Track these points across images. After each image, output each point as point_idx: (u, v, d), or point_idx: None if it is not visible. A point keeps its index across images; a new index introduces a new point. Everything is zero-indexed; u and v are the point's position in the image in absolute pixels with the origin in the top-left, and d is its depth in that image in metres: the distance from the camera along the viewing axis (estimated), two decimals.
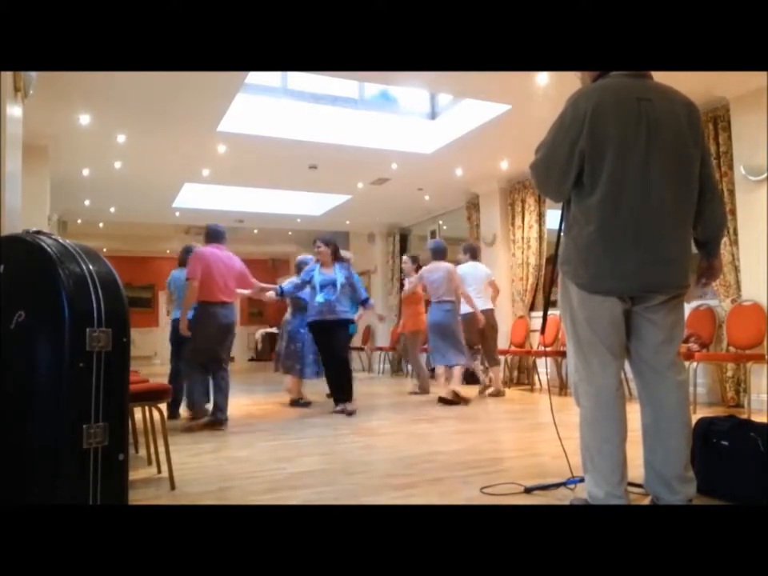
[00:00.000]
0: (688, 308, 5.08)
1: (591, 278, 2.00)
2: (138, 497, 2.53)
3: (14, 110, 2.77)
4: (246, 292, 5.33)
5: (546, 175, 2.11)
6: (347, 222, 10.80)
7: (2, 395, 1.71)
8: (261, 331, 9.78)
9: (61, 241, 1.83)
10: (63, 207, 8.75)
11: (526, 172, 2.37)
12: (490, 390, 6.43)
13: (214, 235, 4.69)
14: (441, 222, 9.75)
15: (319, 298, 5.10)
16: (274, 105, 6.10)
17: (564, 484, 2.47)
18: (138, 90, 4.90)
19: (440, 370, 5.93)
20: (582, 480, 2.17)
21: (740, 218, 4.90)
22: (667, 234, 1.96)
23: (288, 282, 5.55)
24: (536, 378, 7.07)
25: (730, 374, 5.02)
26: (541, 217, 7.41)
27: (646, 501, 2.17)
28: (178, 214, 9.76)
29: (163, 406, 2.92)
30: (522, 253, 7.62)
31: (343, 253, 5.60)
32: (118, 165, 6.94)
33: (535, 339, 7.28)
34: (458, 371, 5.80)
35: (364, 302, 5.47)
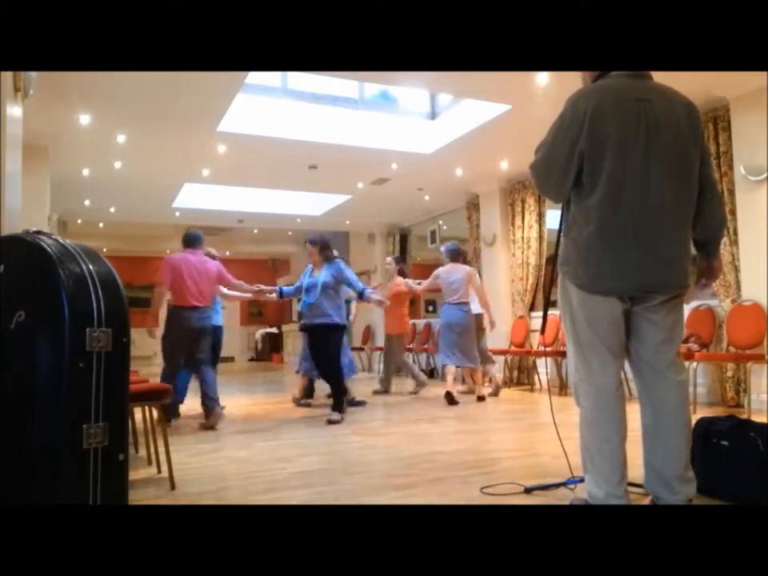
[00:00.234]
0: (688, 308, 5.08)
1: (591, 279, 2.00)
2: (137, 497, 2.53)
3: (14, 110, 2.77)
4: (246, 295, 5.40)
5: (545, 175, 2.11)
6: (347, 222, 10.80)
7: (2, 395, 1.71)
8: (261, 331, 9.77)
9: (61, 241, 1.83)
10: (63, 207, 8.75)
11: (526, 172, 2.37)
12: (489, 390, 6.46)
13: (188, 241, 4.85)
14: (441, 222, 9.75)
15: (303, 301, 5.09)
16: (273, 105, 6.09)
17: (564, 484, 2.47)
18: (138, 90, 4.89)
19: (450, 369, 5.99)
20: (582, 480, 2.17)
21: (740, 218, 4.89)
22: (667, 234, 1.96)
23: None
24: (536, 377, 7.07)
25: (730, 373, 5.02)
26: (541, 217, 7.41)
27: (646, 501, 2.17)
28: (178, 214, 9.76)
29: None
30: (522, 253, 7.62)
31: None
32: (118, 165, 6.94)
33: (535, 339, 7.28)
34: (479, 371, 6.09)
35: (361, 294, 5.18)
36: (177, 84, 4.78)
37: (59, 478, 1.67)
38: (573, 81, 2.28)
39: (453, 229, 9.80)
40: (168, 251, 13.87)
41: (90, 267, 1.78)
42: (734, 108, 4.95)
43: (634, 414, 2.07)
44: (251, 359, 15.64)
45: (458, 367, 6.01)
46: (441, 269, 6.18)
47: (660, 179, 1.94)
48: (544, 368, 6.86)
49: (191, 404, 5.83)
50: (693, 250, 2.13)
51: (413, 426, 4.46)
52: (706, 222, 2.08)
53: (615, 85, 2.00)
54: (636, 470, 2.16)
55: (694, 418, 2.22)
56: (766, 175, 4.63)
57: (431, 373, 9.06)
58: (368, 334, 10.83)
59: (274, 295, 5.32)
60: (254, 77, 5.61)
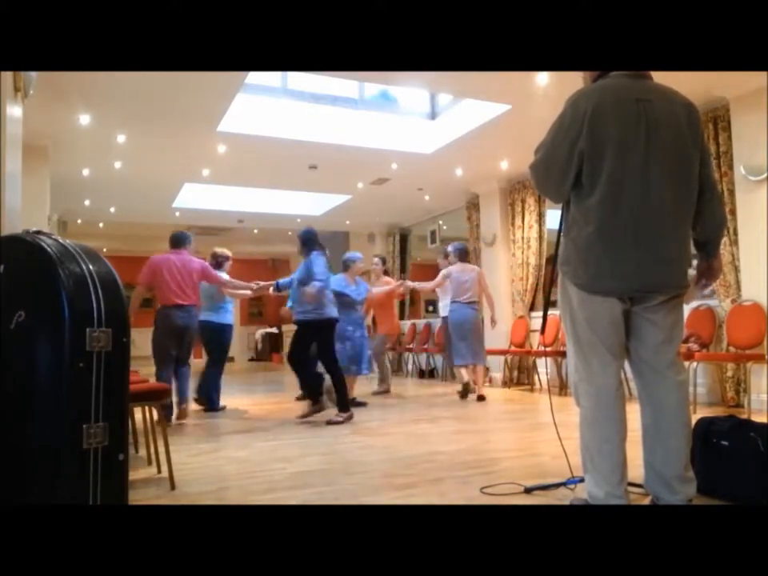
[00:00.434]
0: (688, 308, 5.08)
1: (591, 279, 2.00)
2: (138, 497, 2.53)
3: (14, 110, 2.77)
4: (246, 292, 5.43)
5: (545, 176, 2.11)
6: (347, 222, 10.80)
7: (2, 395, 1.71)
8: (261, 331, 9.75)
9: (61, 241, 1.83)
10: (63, 207, 8.75)
11: (526, 172, 2.37)
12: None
13: (173, 241, 5.04)
14: (441, 222, 9.75)
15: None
16: (273, 105, 6.10)
17: (564, 484, 2.47)
18: (138, 90, 4.89)
19: (463, 369, 6.14)
20: (582, 480, 2.17)
21: (740, 218, 4.89)
22: (667, 234, 1.96)
23: (336, 280, 5.59)
24: (536, 377, 7.07)
25: (730, 373, 5.02)
26: (541, 217, 7.41)
27: (646, 501, 2.17)
28: (177, 214, 9.76)
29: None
30: (522, 253, 7.62)
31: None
32: (118, 165, 6.94)
33: (535, 339, 7.28)
34: (480, 370, 6.17)
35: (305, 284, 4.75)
36: (177, 84, 4.78)
37: (59, 478, 1.67)
38: (573, 81, 2.28)
39: (453, 229, 9.80)
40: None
41: (90, 267, 1.78)
42: (733, 108, 4.95)
43: (634, 414, 2.07)
44: (251, 359, 15.64)
45: (468, 366, 6.14)
46: (451, 268, 6.25)
47: (660, 179, 1.94)
48: (544, 368, 6.86)
49: (194, 404, 5.83)
50: (693, 250, 2.13)
51: (413, 425, 4.46)
52: (705, 222, 2.08)
53: (615, 85, 2.00)
54: (636, 470, 2.16)
55: (694, 418, 2.22)
56: (765, 175, 4.63)
57: (431, 373, 9.06)
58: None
59: (271, 289, 5.30)
60: (254, 77, 5.61)
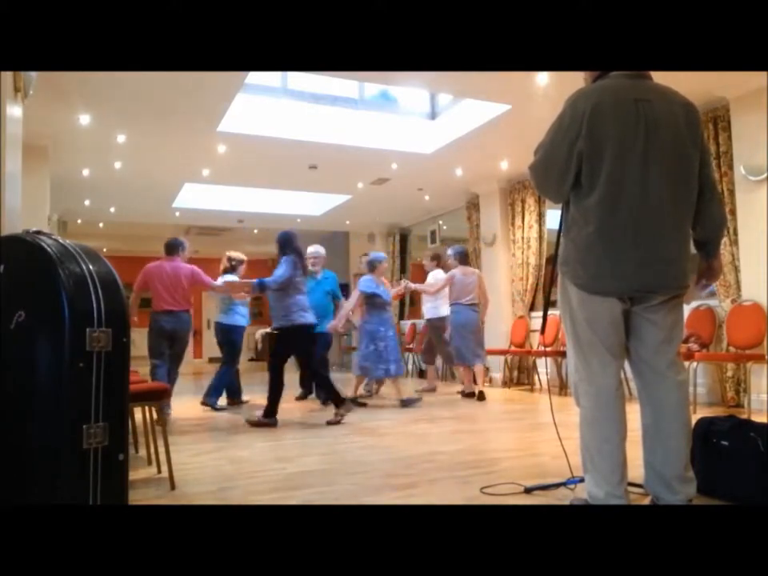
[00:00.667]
0: (688, 308, 5.08)
1: (591, 279, 2.00)
2: (138, 497, 2.53)
3: (14, 110, 2.77)
4: (241, 294, 5.45)
5: (544, 176, 2.11)
6: (347, 222, 10.80)
7: (2, 395, 1.71)
8: (261, 331, 9.76)
9: (61, 241, 1.83)
10: (63, 207, 8.75)
11: (526, 172, 2.37)
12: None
13: (166, 249, 5.32)
14: (441, 222, 9.75)
15: None
16: (273, 105, 6.09)
17: (564, 484, 2.47)
18: (138, 90, 4.89)
19: (479, 367, 6.25)
20: (582, 480, 2.17)
21: (740, 218, 4.89)
22: (666, 234, 1.96)
23: (363, 280, 5.63)
24: (536, 377, 7.07)
25: (730, 374, 5.02)
26: (541, 217, 7.41)
27: (646, 501, 2.17)
28: (177, 214, 9.76)
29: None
30: (522, 253, 7.62)
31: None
32: (118, 165, 6.94)
33: (535, 339, 7.28)
34: (480, 370, 6.28)
35: (261, 287, 4.68)
36: (177, 84, 4.78)
37: (59, 478, 1.67)
38: (573, 81, 2.28)
39: (453, 229, 9.79)
40: None
41: (90, 267, 1.78)
42: (733, 108, 4.95)
43: (634, 414, 2.07)
44: (251, 359, 15.63)
45: (470, 366, 6.24)
46: (454, 271, 6.36)
47: (659, 179, 1.94)
48: (544, 368, 6.86)
49: (191, 404, 5.84)
50: (693, 250, 2.13)
51: (413, 425, 4.46)
52: (705, 222, 2.08)
53: (614, 85, 2.00)
54: (636, 470, 2.16)
55: (694, 418, 2.22)
56: (765, 175, 4.63)
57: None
58: None
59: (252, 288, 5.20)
60: (254, 77, 5.61)
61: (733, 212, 4.92)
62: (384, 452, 3.45)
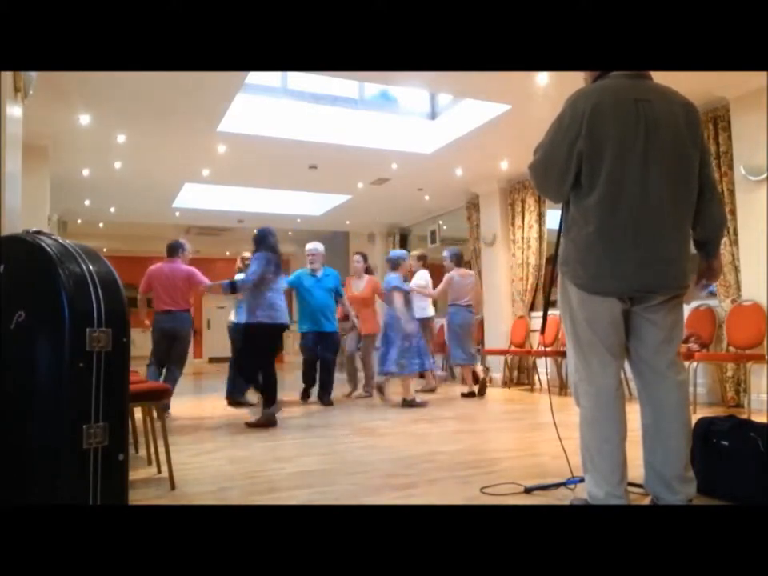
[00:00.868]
0: (688, 308, 5.08)
1: (591, 279, 2.00)
2: (138, 497, 2.53)
3: (14, 110, 2.77)
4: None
5: (544, 176, 2.11)
6: (347, 222, 10.80)
7: (2, 395, 1.71)
8: None
9: (61, 241, 1.83)
10: (63, 207, 8.75)
11: (526, 172, 2.37)
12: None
13: (167, 251, 5.51)
14: (441, 222, 9.75)
15: None
16: (273, 105, 6.09)
17: (564, 484, 2.47)
18: (138, 90, 4.89)
19: (478, 367, 6.38)
20: (582, 480, 2.17)
21: (740, 218, 4.89)
22: (666, 234, 1.96)
23: (394, 279, 5.64)
24: (536, 377, 7.07)
25: (730, 374, 5.02)
26: (541, 217, 7.41)
27: (646, 501, 2.17)
28: (177, 214, 9.76)
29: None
30: (522, 253, 7.62)
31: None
32: (117, 165, 6.94)
33: (535, 339, 7.28)
34: (477, 368, 6.42)
35: (232, 288, 4.71)
36: (177, 84, 4.78)
37: (59, 478, 1.67)
38: (573, 81, 2.28)
39: (453, 229, 9.79)
40: None
41: (90, 267, 1.78)
42: (733, 108, 4.95)
43: (634, 414, 2.07)
44: None
45: (468, 365, 6.35)
46: (453, 272, 6.41)
47: (659, 179, 1.94)
48: (544, 368, 6.86)
49: (192, 404, 5.84)
50: (693, 250, 2.13)
51: (413, 425, 4.46)
52: (705, 222, 2.08)
53: (614, 85, 2.00)
54: (636, 470, 2.16)
55: (694, 418, 2.22)
56: (765, 175, 4.63)
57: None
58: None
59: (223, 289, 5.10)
60: (254, 77, 5.61)
61: (733, 212, 4.92)
62: (384, 452, 3.45)
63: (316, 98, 6.32)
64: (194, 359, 14.49)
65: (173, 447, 2.91)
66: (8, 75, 2.51)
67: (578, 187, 2.02)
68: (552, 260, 2.83)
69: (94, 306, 1.73)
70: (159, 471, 3.03)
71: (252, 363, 4.64)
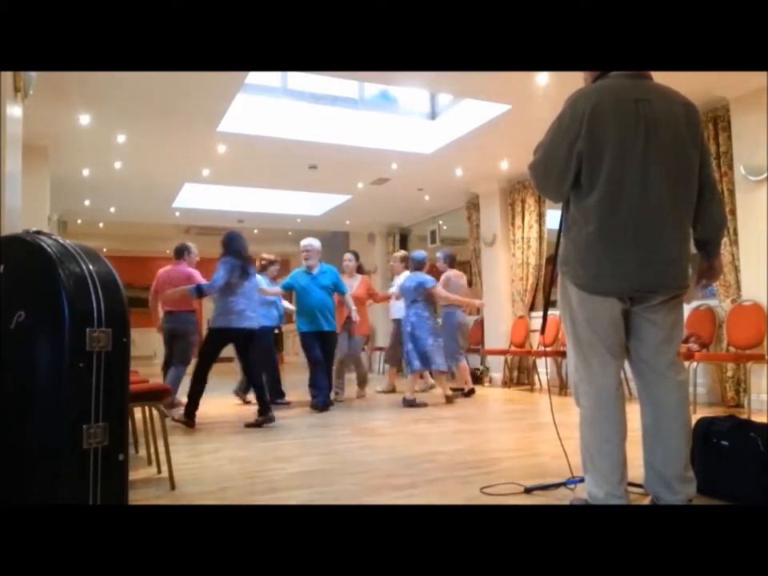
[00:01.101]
0: (688, 308, 5.08)
1: (591, 279, 2.00)
2: (138, 497, 2.53)
3: (14, 110, 2.77)
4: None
5: (544, 176, 2.11)
6: (347, 222, 10.80)
7: (2, 395, 1.71)
8: None
9: (61, 241, 1.83)
10: (63, 207, 8.75)
11: (526, 172, 2.37)
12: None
13: (174, 254, 5.73)
14: (441, 222, 9.75)
15: None
16: (273, 105, 6.09)
17: (564, 484, 2.47)
18: (138, 90, 4.89)
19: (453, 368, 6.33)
20: (582, 480, 2.17)
21: (740, 218, 4.89)
22: (666, 234, 1.96)
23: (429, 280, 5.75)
24: (536, 377, 7.07)
25: (730, 374, 5.02)
26: (541, 217, 7.41)
27: (646, 501, 2.17)
28: (177, 214, 9.76)
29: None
30: (522, 253, 7.62)
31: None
32: (117, 165, 6.94)
33: (535, 339, 7.28)
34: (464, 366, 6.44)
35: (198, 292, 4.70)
36: (177, 84, 4.78)
37: (59, 478, 1.67)
38: (573, 81, 2.28)
39: (453, 229, 9.79)
40: (168, 251, 13.88)
41: (90, 267, 1.78)
42: (733, 108, 4.95)
43: (634, 414, 2.07)
44: None
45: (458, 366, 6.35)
46: (449, 273, 6.47)
47: (659, 179, 1.94)
48: (544, 368, 6.86)
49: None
50: (693, 250, 2.13)
51: (413, 425, 4.46)
52: (706, 222, 2.08)
53: (614, 85, 2.00)
54: (636, 470, 2.16)
55: (694, 418, 2.22)
56: (765, 175, 4.63)
57: (430, 373, 9.03)
58: (368, 335, 10.81)
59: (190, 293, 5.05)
60: (254, 77, 5.61)
61: (733, 212, 4.92)
62: (384, 452, 3.45)
63: (316, 98, 6.32)
64: (194, 358, 14.53)
65: (173, 447, 2.91)
66: (8, 75, 2.51)
67: (578, 187, 2.02)
68: (552, 260, 2.83)
69: (94, 305, 1.73)
70: (159, 471, 3.03)
71: (203, 366, 4.64)
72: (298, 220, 10.32)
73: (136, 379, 3.20)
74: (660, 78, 2.06)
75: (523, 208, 7.62)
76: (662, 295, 2.01)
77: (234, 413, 5.39)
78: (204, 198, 9.03)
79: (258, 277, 5.92)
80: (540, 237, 7.42)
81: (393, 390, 6.86)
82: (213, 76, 4.59)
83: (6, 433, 1.69)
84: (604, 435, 2.00)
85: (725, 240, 4.86)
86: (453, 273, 6.47)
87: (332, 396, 5.74)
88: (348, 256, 6.63)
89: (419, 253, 6.21)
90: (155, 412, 2.91)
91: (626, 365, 2.13)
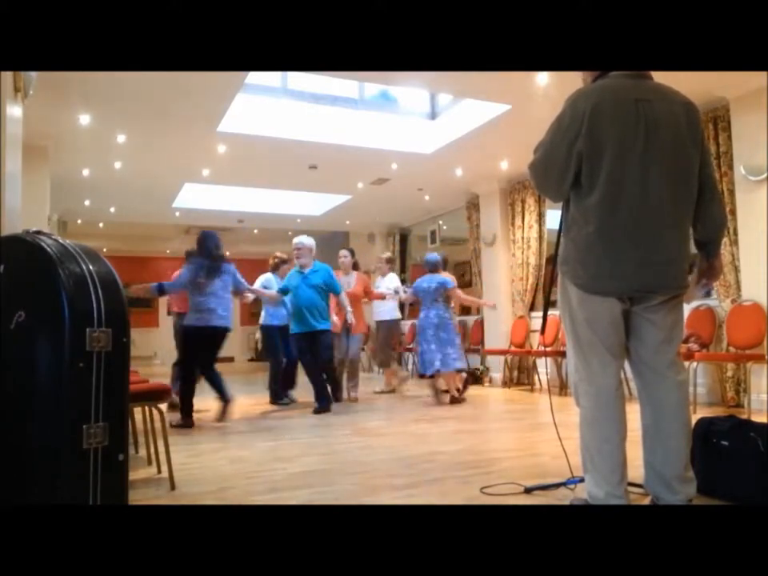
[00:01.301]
0: (688, 308, 5.08)
1: (590, 279, 2.00)
2: (138, 497, 2.53)
3: (14, 110, 2.77)
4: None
5: (544, 176, 2.11)
6: (347, 222, 10.80)
7: (2, 395, 1.71)
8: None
9: (61, 241, 1.83)
10: (63, 207, 8.75)
11: (526, 172, 2.36)
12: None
13: (186, 257, 5.80)
14: (441, 222, 9.75)
15: None
16: (273, 105, 6.09)
17: (564, 484, 2.47)
18: (138, 90, 4.89)
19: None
20: (582, 480, 2.17)
21: (740, 218, 4.89)
22: (666, 234, 1.96)
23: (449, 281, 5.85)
24: (536, 377, 7.07)
25: (730, 374, 5.02)
26: (541, 217, 7.41)
27: (646, 501, 2.17)
28: (177, 214, 9.76)
29: (164, 406, 2.94)
30: (522, 253, 7.62)
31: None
32: (118, 165, 6.94)
33: (535, 339, 7.28)
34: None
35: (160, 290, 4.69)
36: (177, 84, 4.78)
37: (59, 478, 1.67)
38: (573, 81, 2.28)
39: (453, 229, 9.79)
40: (168, 251, 13.90)
41: (90, 267, 1.78)
42: (733, 108, 4.95)
43: (634, 414, 2.07)
44: (251, 359, 15.65)
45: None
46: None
47: (659, 179, 1.94)
48: (544, 368, 6.85)
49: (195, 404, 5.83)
50: (693, 250, 2.13)
51: (413, 425, 4.46)
52: (706, 222, 2.08)
53: (614, 85, 2.00)
54: (636, 470, 2.16)
55: (694, 418, 2.22)
56: (765, 175, 4.63)
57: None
58: (368, 333, 10.81)
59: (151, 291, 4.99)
60: (254, 77, 5.61)
61: (733, 212, 4.92)
62: (384, 452, 3.45)
63: (316, 98, 6.32)
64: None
65: (173, 447, 2.90)
66: (8, 75, 2.52)
67: (578, 187, 2.02)
68: (552, 260, 2.83)
69: (94, 305, 1.73)
70: (159, 471, 3.03)
71: (186, 367, 4.70)
72: (297, 220, 10.32)
73: (136, 379, 3.19)
74: (660, 77, 2.06)
75: (523, 208, 7.62)
76: (662, 295, 2.01)
77: (235, 412, 5.38)
78: (204, 197, 9.03)
79: (269, 276, 6.02)
80: (540, 237, 7.42)
81: (392, 391, 6.85)
82: (213, 76, 4.59)
83: (6, 433, 1.69)
84: (604, 435, 2.00)
85: (725, 240, 4.86)
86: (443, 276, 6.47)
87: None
88: (343, 253, 6.55)
89: (433, 255, 6.21)
90: (155, 412, 2.90)
91: (626, 365, 2.13)
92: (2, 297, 1.75)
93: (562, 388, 6.41)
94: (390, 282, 6.82)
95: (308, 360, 5.39)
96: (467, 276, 8.67)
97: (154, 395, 2.83)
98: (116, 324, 1.78)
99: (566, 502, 2.29)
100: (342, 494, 2.53)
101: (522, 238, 7.62)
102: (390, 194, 8.44)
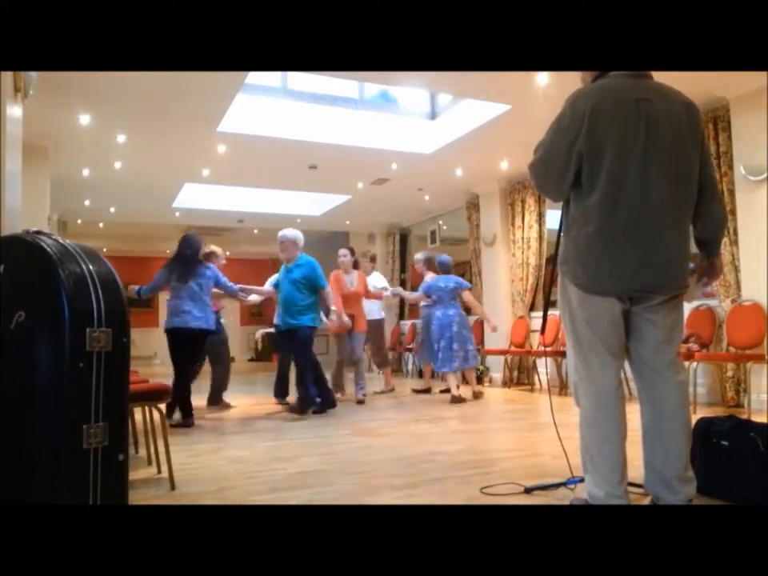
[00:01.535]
0: (688, 308, 5.08)
1: (590, 279, 2.00)
2: (138, 497, 2.53)
3: (14, 110, 2.77)
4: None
5: (544, 176, 2.11)
6: (347, 222, 10.80)
7: (2, 395, 1.71)
8: (261, 331, 9.76)
9: (61, 241, 1.83)
10: (63, 207, 8.75)
11: (526, 172, 2.36)
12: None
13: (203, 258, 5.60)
14: (441, 222, 9.75)
15: None
16: (273, 105, 6.09)
17: (564, 484, 2.47)
18: (138, 90, 4.89)
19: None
20: (582, 480, 2.17)
21: (740, 218, 4.89)
22: (666, 234, 1.96)
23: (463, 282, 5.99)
24: (536, 377, 7.07)
25: (730, 374, 5.02)
26: (541, 217, 7.41)
27: (646, 501, 2.17)
28: (177, 214, 9.76)
29: (164, 406, 2.94)
30: (522, 253, 7.62)
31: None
32: (118, 165, 6.94)
33: (535, 339, 7.28)
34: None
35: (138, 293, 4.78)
36: (177, 84, 4.78)
37: (59, 478, 1.67)
38: (573, 81, 2.28)
39: (453, 229, 9.79)
40: (168, 251, 13.89)
41: (90, 267, 1.78)
42: (733, 108, 4.95)
43: (634, 414, 2.07)
44: (251, 359, 15.64)
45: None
46: (428, 276, 6.59)
47: (659, 179, 1.94)
48: (544, 368, 6.85)
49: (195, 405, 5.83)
50: (694, 249, 2.13)
51: (413, 425, 4.46)
52: (706, 221, 2.08)
53: (614, 85, 2.00)
54: (636, 470, 2.16)
55: (694, 418, 2.22)
56: (765, 175, 4.63)
57: (431, 373, 9.04)
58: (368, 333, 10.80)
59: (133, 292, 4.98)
60: (254, 77, 5.61)
61: (733, 212, 4.92)
62: (384, 452, 3.45)
63: (316, 98, 6.32)
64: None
65: (173, 447, 2.90)
66: (8, 75, 2.51)
67: (578, 187, 2.02)
68: (552, 260, 2.83)
69: (94, 305, 1.73)
70: (159, 471, 3.03)
71: (176, 370, 4.73)
72: (297, 220, 10.30)
73: (136, 379, 3.19)
74: (660, 77, 2.06)
75: (523, 208, 7.62)
76: (662, 295, 2.01)
77: (234, 412, 5.38)
78: (204, 197, 9.03)
79: (276, 275, 5.98)
80: (540, 237, 7.42)
81: (392, 391, 6.86)
82: (213, 76, 4.60)
83: (6, 433, 1.69)
84: (604, 435, 2.00)
85: (725, 240, 4.86)
86: (430, 276, 6.53)
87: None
88: (343, 251, 6.38)
89: (445, 257, 6.34)
90: (155, 412, 2.90)
91: (626, 365, 2.13)
92: (2, 297, 1.75)
93: (562, 388, 6.41)
94: (375, 281, 6.79)
95: (287, 357, 5.49)
96: (467, 276, 8.66)
97: (153, 395, 2.83)
98: (116, 324, 1.78)
99: (566, 502, 2.29)
100: (341, 494, 2.53)
101: (522, 238, 7.62)
102: (390, 193, 8.44)
